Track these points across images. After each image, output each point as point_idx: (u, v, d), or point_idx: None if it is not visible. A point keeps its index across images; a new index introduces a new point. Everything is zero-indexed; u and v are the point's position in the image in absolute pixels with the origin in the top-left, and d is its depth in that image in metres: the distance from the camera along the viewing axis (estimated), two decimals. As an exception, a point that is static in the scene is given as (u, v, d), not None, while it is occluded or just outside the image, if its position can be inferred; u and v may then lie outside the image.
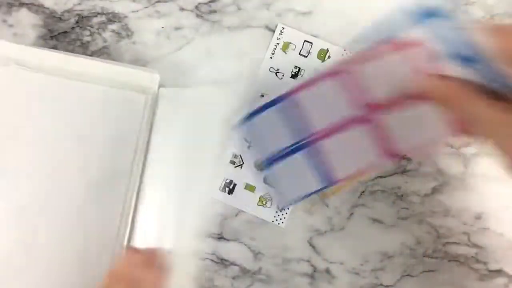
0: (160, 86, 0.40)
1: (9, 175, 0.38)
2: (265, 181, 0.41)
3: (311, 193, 0.37)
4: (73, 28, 0.42)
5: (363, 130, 0.35)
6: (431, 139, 0.35)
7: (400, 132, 0.35)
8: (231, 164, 0.42)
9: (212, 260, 0.41)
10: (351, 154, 0.36)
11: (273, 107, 0.37)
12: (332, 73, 0.35)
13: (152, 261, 0.37)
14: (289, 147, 0.37)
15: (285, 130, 0.37)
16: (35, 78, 0.39)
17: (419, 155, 0.37)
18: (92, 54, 0.42)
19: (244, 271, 0.41)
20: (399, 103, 0.34)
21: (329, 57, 0.42)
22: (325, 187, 0.37)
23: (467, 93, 0.28)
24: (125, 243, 0.38)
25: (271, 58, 0.42)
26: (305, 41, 0.42)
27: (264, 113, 0.38)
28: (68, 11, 0.42)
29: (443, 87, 0.30)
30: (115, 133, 0.39)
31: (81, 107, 0.39)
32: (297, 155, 0.37)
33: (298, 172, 0.37)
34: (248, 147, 0.42)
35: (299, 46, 0.42)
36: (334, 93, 0.36)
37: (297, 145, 0.37)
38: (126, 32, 0.42)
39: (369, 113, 0.35)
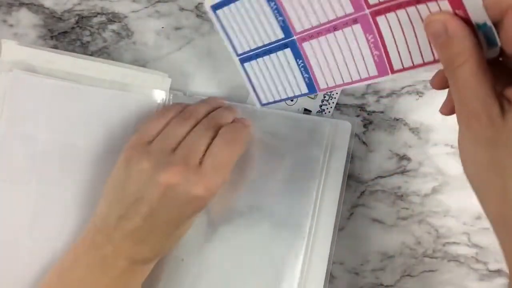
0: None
1: (21, 186, 0.38)
2: (245, 72, 0.37)
3: (297, 96, 0.36)
4: (73, 28, 0.42)
5: (357, 34, 0.30)
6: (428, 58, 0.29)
7: (399, 43, 0.29)
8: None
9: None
10: (340, 61, 0.32)
11: None
12: None
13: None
14: (272, 43, 0.34)
15: (268, 22, 0.33)
16: (44, 84, 0.38)
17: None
18: (92, 54, 0.42)
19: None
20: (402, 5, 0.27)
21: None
22: (311, 93, 0.35)
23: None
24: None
25: (271, 58, 0.42)
26: (305, 41, 0.42)
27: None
28: (68, 11, 0.42)
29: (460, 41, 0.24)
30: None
31: (93, 113, 0.39)
32: (282, 53, 0.34)
33: (283, 70, 0.35)
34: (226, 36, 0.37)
35: (299, 46, 0.42)
36: None
37: (282, 41, 0.33)
38: (126, 32, 0.42)
39: (369, 13, 0.29)
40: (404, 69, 0.29)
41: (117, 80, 0.39)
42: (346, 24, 0.30)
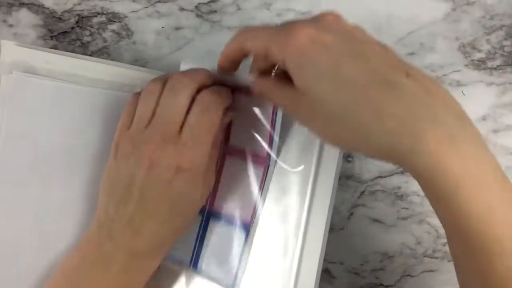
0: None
1: (23, 187, 0.38)
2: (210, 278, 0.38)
3: (245, 247, 0.37)
4: (73, 28, 0.42)
5: (229, 164, 0.37)
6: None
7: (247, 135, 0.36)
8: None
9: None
10: (238, 187, 0.37)
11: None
12: None
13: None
14: (198, 231, 0.38)
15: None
16: (44, 85, 0.38)
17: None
18: (92, 54, 0.42)
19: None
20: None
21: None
22: (248, 233, 0.37)
23: (270, 86, 0.32)
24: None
25: (271, 58, 0.42)
26: (305, 41, 0.42)
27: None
28: (68, 11, 0.42)
29: (261, 88, 0.33)
30: None
31: (93, 114, 0.39)
32: (209, 230, 0.38)
33: (220, 243, 0.37)
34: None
35: (299, 46, 0.42)
36: None
37: (202, 223, 0.38)
38: (126, 32, 0.42)
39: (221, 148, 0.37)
40: (270, 141, 0.36)
41: (117, 81, 0.39)
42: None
